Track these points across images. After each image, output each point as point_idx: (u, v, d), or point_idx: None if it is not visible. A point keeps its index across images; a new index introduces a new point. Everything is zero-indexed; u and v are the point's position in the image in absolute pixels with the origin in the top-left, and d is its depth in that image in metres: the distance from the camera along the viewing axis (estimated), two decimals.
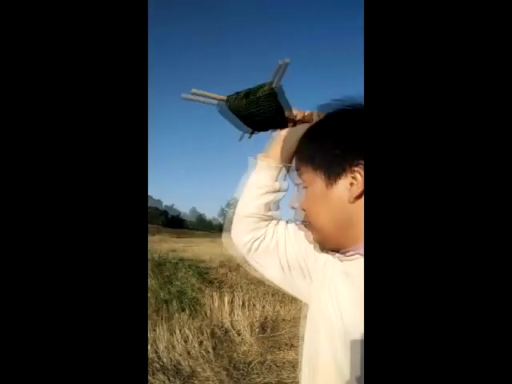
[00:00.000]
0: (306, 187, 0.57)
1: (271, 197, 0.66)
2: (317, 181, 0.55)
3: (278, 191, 0.66)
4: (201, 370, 2.83)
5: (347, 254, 0.55)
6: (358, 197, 0.51)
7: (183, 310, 4.06)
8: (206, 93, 0.61)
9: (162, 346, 3.02)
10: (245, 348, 3.32)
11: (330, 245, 0.57)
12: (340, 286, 0.55)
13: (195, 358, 2.98)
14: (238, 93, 0.61)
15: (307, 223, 0.58)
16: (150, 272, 5.52)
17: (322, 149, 0.54)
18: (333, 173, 0.53)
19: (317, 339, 0.56)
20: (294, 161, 0.61)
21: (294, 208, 0.59)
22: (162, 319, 3.58)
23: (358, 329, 0.48)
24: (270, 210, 0.67)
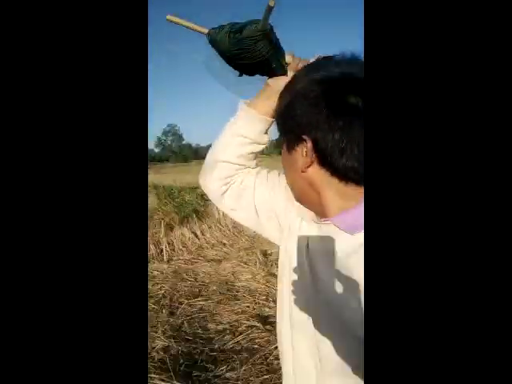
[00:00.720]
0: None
1: (254, 148, 0.63)
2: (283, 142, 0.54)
3: (263, 144, 0.64)
4: None
5: (322, 220, 0.54)
6: (308, 167, 0.50)
7: None
8: (184, 22, 0.55)
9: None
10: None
11: (302, 204, 0.56)
12: (316, 248, 0.54)
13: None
14: (222, 26, 0.53)
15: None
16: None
17: (286, 112, 0.51)
18: (290, 139, 0.52)
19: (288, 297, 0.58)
20: None
21: None
22: None
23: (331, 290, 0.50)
24: (248, 161, 0.65)
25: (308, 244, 0.55)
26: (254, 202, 0.64)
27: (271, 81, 0.59)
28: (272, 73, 0.57)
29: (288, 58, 0.56)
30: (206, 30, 0.54)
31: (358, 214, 0.49)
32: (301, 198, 0.56)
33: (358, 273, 0.46)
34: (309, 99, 0.47)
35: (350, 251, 0.49)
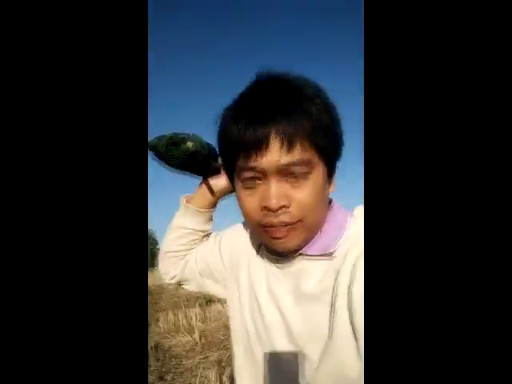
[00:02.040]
0: (302, 179, 0.50)
1: (195, 236, 0.73)
2: (320, 172, 0.51)
3: (202, 232, 0.73)
4: None
5: (290, 255, 0.56)
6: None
7: None
8: None
9: None
10: None
11: (304, 244, 0.55)
12: (280, 288, 0.57)
13: None
14: (161, 137, 0.62)
15: (293, 223, 0.51)
16: None
17: (333, 140, 0.51)
18: (334, 168, 0.54)
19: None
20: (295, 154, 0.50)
21: (283, 207, 0.49)
22: None
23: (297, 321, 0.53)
24: (191, 247, 0.74)
25: (269, 283, 0.59)
26: (198, 269, 0.73)
27: (205, 182, 0.69)
28: (207, 173, 0.69)
29: (221, 161, 0.62)
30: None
31: (331, 232, 0.55)
32: (315, 232, 0.55)
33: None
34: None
35: (328, 277, 0.52)
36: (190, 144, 0.61)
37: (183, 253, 0.74)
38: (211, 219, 0.74)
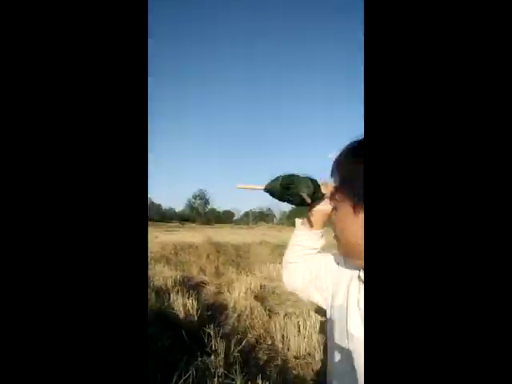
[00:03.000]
0: (337, 207, 0.65)
1: (310, 251, 0.89)
2: (346, 203, 0.63)
3: (314, 249, 0.88)
4: None
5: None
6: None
7: None
8: (249, 186, 0.80)
9: None
10: None
11: (354, 258, 0.66)
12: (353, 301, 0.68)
13: None
14: (277, 179, 0.76)
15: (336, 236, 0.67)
16: None
17: (355, 178, 0.61)
18: (359, 200, 0.62)
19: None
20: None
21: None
22: None
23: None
24: (306, 257, 0.89)
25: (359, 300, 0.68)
26: (321, 282, 0.84)
27: (315, 209, 0.83)
28: (314, 202, 0.81)
29: (323, 189, 0.76)
30: (262, 187, 0.78)
31: None
32: (358, 254, 0.63)
33: None
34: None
35: None
36: (303, 188, 0.75)
37: (300, 264, 0.89)
38: (322, 236, 0.89)
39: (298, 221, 0.91)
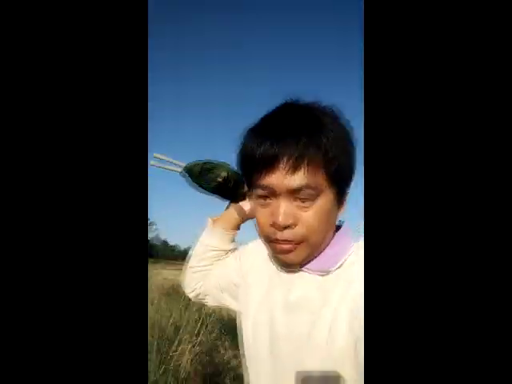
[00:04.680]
0: (310, 202, 0.53)
1: (218, 254, 0.79)
2: (328, 197, 0.54)
3: (225, 251, 0.79)
4: None
5: (291, 268, 0.61)
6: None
7: None
8: (167, 158, 0.75)
9: None
10: None
11: (307, 260, 0.59)
12: (277, 299, 0.62)
13: None
14: (197, 162, 0.73)
15: (297, 241, 0.55)
16: None
17: (343, 169, 0.55)
18: (344, 193, 0.57)
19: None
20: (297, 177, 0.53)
21: (287, 226, 0.53)
22: None
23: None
24: (212, 263, 0.80)
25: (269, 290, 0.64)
26: (219, 284, 0.78)
27: (232, 206, 0.77)
28: (234, 198, 0.77)
29: (246, 188, 0.68)
30: (182, 166, 0.74)
31: (331, 254, 0.58)
32: (319, 250, 0.59)
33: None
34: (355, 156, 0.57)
35: (321, 292, 0.57)
36: (222, 171, 0.72)
37: (206, 268, 0.80)
38: (234, 240, 0.80)
39: (209, 219, 0.80)
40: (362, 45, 0.43)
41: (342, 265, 0.57)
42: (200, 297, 0.82)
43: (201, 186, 0.74)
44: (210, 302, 0.82)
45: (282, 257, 0.57)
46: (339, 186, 0.55)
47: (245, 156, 0.56)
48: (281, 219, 0.52)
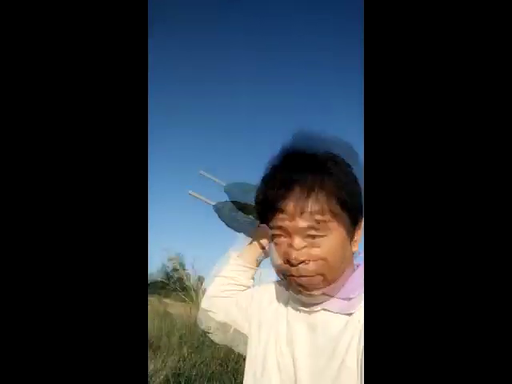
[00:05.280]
0: (319, 239, 0.58)
1: (238, 288, 0.80)
2: (339, 232, 0.58)
3: (244, 286, 0.80)
4: None
5: (313, 308, 0.63)
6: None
7: None
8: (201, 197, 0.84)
9: None
10: None
11: (331, 293, 0.61)
12: (298, 335, 0.63)
13: None
14: (226, 202, 0.79)
15: (318, 275, 0.58)
16: None
17: (353, 201, 0.59)
18: (354, 224, 0.60)
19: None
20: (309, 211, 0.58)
21: (303, 262, 0.57)
22: None
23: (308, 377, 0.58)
24: (233, 294, 0.80)
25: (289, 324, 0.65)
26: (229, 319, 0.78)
27: (255, 242, 0.77)
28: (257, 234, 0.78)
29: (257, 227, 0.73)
30: (213, 202, 0.81)
31: (352, 290, 0.61)
32: (335, 277, 0.60)
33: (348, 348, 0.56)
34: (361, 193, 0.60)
35: (343, 329, 0.58)
36: (249, 213, 0.77)
37: (226, 299, 0.80)
38: (253, 277, 0.81)
39: (232, 253, 0.82)
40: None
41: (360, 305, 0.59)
42: (211, 331, 0.82)
43: (230, 222, 0.79)
44: (218, 336, 0.81)
45: (298, 290, 0.60)
46: (347, 223, 0.59)
47: (260, 201, 0.63)
48: (294, 256, 0.57)
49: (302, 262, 0.57)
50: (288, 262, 0.58)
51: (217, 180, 0.83)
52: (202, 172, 0.84)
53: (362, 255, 0.62)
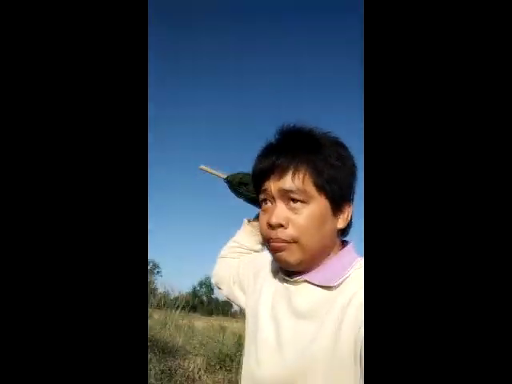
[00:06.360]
0: (301, 205, 0.60)
1: (244, 251, 0.90)
2: (321, 204, 0.61)
3: (252, 250, 0.89)
4: None
5: (294, 277, 0.65)
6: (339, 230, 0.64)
7: None
8: (212, 171, 0.89)
9: None
10: None
11: (305, 265, 0.63)
12: (282, 306, 0.66)
13: None
14: (234, 174, 0.85)
15: (289, 241, 0.60)
16: None
17: (340, 179, 0.62)
18: (339, 203, 0.62)
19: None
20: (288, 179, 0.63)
21: (281, 225, 0.60)
22: None
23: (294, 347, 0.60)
24: (239, 256, 0.90)
25: (274, 299, 0.68)
26: (232, 276, 0.87)
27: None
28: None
29: None
30: (224, 175, 0.87)
31: (335, 267, 0.63)
32: (315, 256, 0.63)
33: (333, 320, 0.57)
34: (355, 175, 0.65)
35: (324, 302, 0.60)
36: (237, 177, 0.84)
37: (231, 259, 0.91)
38: (262, 243, 0.85)
39: (245, 220, 0.90)
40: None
41: (346, 279, 0.61)
42: (219, 284, 0.92)
43: (242, 195, 0.85)
44: (225, 291, 0.89)
45: (276, 256, 0.63)
46: (331, 198, 0.61)
47: (254, 169, 0.67)
48: (274, 219, 0.60)
49: (281, 225, 0.60)
50: (268, 224, 0.61)
51: (217, 173, 0.88)
52: (202, 167, 0.87)
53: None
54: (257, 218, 0.83)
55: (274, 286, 0.70)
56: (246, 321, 0.75)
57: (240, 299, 0.83)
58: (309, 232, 0.60)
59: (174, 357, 4.29)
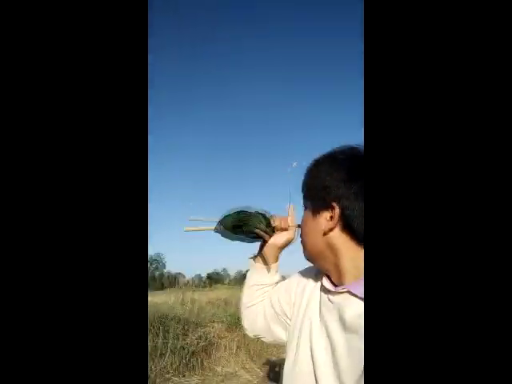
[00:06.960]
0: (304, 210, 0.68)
1: (266, 289, 0.82)
2: (307, 212, 0.67)
3: (271, 284, 0.83)
4: None
5: (337, 288, 0.61)
6: (331, 230, 0.61)
7: None
8: (199, 228, 0.79)
9: None
10: None
11: (315, 263, 0.67)
12: (328, 317, 0.61)
13: None
14: (223, 220, 0.76)
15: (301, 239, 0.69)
16: None
17: (312, 185, 0.65)
18: (318, 205, 0.63)
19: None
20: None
21: (298, 226, 0.72)
22: None
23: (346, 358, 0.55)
24: (262, 301, 0.82)
25: (321, 312, 0.64)
26: (270, 319, 0.79)
27: (267, 245, 0.79)
28: (266, 237, 0.79)
29: (272, 222, 0.77)
30: (213, 227, 0.77)
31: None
32: (316, 258, 0.65)
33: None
34: (339, 175, 0.61)
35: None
36: (252, 226, 0.75)
37: (257, 304, 0.82)
38: (277, 270, 0.83)
39: (250, 261, 0.85)
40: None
41: None
42: (259, 335, 0.83)
43: (240, 239, 0.79)
44: (268, 338, 0.81)
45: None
46: (309, 203, 0.67)
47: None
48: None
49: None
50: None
51: (205, 227, 0.79)
52: (191, 218, 0.79)
53: None
54: (260, 253, 0.81)
55: (318, 297, 0.68)
56: (289, 331, 0.72)
57: (283, 336, 0.76)
58: (302, 232, 0.69)
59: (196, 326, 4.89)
